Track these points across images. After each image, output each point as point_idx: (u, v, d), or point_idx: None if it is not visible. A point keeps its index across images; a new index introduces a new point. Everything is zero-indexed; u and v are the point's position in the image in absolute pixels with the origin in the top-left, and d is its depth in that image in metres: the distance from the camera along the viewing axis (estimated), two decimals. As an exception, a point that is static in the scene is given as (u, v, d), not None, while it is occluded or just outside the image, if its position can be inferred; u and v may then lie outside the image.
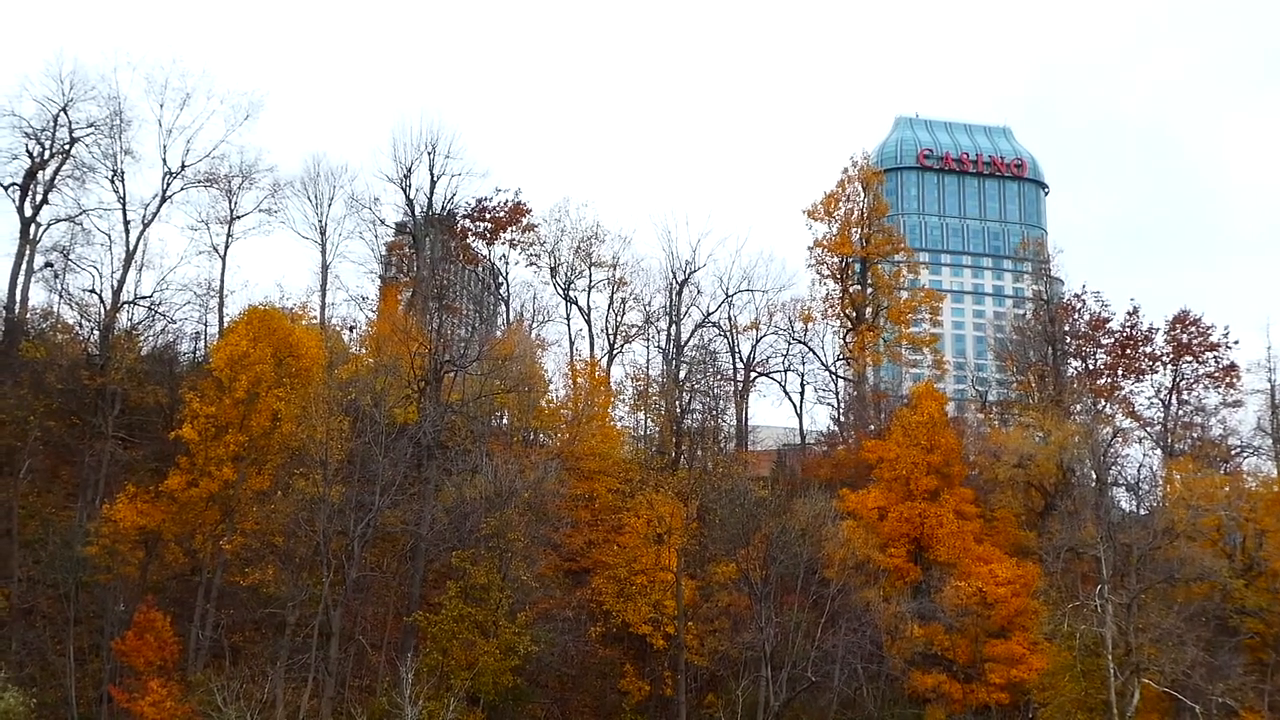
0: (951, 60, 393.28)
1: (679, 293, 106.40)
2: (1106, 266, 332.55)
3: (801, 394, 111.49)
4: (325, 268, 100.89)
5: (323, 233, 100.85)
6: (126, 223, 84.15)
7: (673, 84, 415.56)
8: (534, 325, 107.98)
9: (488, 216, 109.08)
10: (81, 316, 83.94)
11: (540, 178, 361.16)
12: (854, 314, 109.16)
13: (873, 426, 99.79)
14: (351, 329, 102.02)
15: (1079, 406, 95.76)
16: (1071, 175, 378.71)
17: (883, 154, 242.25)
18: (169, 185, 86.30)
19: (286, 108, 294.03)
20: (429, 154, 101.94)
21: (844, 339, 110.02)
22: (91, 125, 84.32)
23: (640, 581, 72.49)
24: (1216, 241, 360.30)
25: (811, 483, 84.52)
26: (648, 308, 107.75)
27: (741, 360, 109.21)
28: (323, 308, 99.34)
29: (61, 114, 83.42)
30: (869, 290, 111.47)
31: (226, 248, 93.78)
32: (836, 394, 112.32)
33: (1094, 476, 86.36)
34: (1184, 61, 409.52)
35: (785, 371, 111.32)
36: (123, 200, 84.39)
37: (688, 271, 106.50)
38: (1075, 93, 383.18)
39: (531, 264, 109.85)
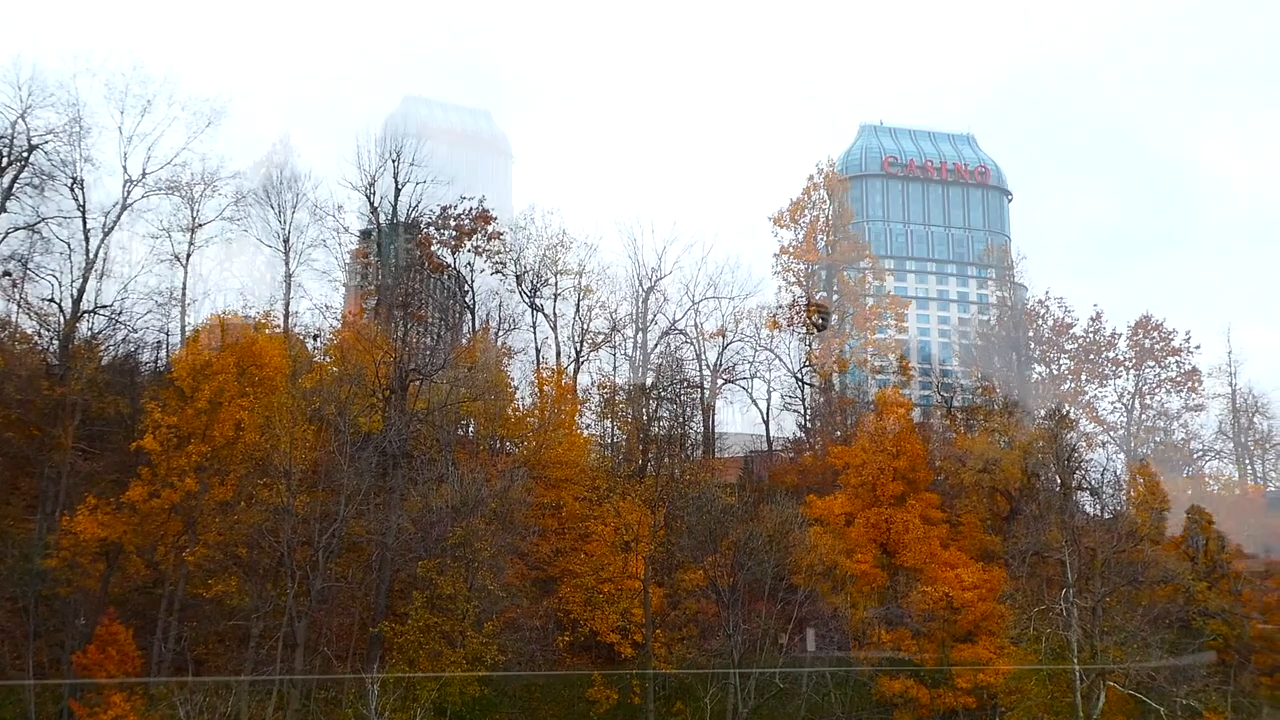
0: (916, 68, 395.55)
1: (645, 300, 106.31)
2: (1073, 271, 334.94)
3: (768, 400, 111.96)
4: (289, 276, 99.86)
5: (286, 241, 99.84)
6: (86, 231, 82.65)
7: (638, 91, 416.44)
8: (500, 333, 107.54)
9: (452, 224, 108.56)
10: (40, 326, 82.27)
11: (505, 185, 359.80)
12: (820, 320, 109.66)
13: (839, 433, 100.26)
14: (315, 337, 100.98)
15: (1043, 411, 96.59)
16: (1039, 181, 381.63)
17: (847, 161, 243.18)
18: (130, 193, 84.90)
19: (248, 114, 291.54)
20: (393, 161, 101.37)
21: (810, 345, 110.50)
22: (51, 132, 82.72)
23: (608, 589, 72.41)
24: (1185, 245, 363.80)
25: (779, 489, 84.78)
26: (614, 315, 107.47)
27: (708, 367, 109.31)
28: (286, 316, 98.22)
29: (20, 120, 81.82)
30: (835, 297, 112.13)
31: (189, 256, 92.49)
32: (803, 400, 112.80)
33: (1058, 481, 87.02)
34: (1152, 64, 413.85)
35: (752, 378, 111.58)
36: (83, 208, 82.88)
37: (654, 279, 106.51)
38: (1043, 100, 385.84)
39: (497, 271, 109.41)
